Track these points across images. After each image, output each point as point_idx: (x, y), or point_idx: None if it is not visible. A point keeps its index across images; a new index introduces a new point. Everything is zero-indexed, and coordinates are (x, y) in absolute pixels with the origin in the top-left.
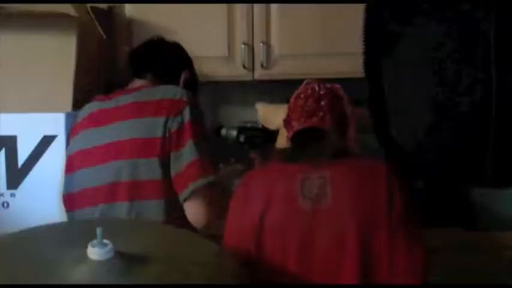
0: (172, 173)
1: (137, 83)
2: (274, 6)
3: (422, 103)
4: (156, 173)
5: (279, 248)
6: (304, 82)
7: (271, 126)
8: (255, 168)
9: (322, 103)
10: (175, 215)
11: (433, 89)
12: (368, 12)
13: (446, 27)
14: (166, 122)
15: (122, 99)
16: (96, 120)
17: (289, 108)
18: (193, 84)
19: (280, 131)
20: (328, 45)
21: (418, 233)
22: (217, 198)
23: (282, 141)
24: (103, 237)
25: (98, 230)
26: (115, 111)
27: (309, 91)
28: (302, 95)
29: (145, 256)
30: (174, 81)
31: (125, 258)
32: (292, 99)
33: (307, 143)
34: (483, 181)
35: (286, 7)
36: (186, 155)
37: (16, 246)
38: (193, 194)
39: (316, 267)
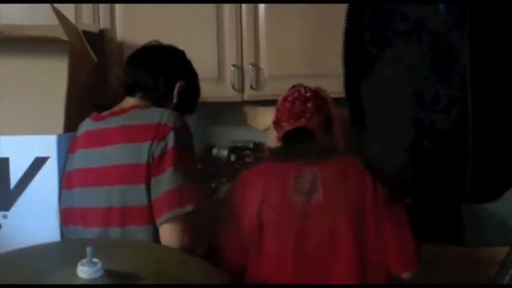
0: (152, 198)
1: (127, 101)
2: (262, 28)
3: (403, 123)
4: (143, 199)
5: (277, 240)
6: (291, 86)
7: (260, 126)
8: (248, 168)
9: (309, 105)
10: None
11: (412, 109)
12: (347, 35)
13: (423, 49)
14: (150, 146)
15: (113, 121)
16: (91, 141)
17: (277, 110)
18: (192, 94)
19: (269, 131)
20: (316, 66)
21: (404, 215)
22: (194, 225)
23: (272, 141)
24: (93, 256)
25: (88, 249)
26: (106, 133)
27: (296, 94)
28: (289, 98)
29: (135, 274)
30: (167, 94)
31: (114, 277)
32: (279, 102)
33: (297, 142)
34: (462, 197)
35: (274, 29)
36: (165, 182)
37: (6, 265)
38: (168, 221)
39: (312, 258)
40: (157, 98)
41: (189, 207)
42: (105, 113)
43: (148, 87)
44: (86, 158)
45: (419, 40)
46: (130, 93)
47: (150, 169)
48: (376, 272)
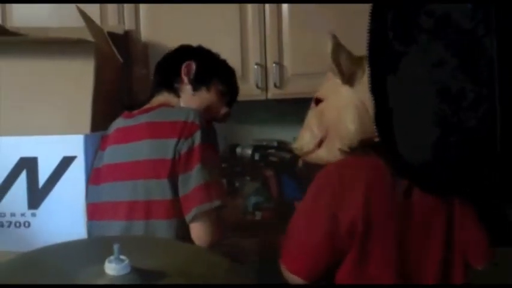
0: (180, 195)
1: (156, 99)
2: (286, 27)
3: (428, 120)
4: (167, 194)
5: (384, 241)
6: None
7: None
8: (330, 165)
9: None
10: (186, 234)
11: (437, 106)
12: (372, 32)
13: (449, 45)
14: (177, 143)
15: (140, 118)
16: (120, 137)
17: None
18: (230, 98)
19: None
20: None
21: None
22: (221, 221)
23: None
24: (120, 253)
25: (115, 246)
26: (133, 129)
27: None
28: None
29: (161, 272)
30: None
31: (141, 274)
32: None
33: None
34: (490, 196)
35: (298, 28)
36: (193, 178)
37: (34, 263)
38: (197, 217)
39: (412, 257)
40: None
41: (217, 203)
42: (135, 111)
43: (174, 82)
44: (115, 154)
45: (445, 36)
46: (158, 91)
47: (176, 165)
48: (458, 268)
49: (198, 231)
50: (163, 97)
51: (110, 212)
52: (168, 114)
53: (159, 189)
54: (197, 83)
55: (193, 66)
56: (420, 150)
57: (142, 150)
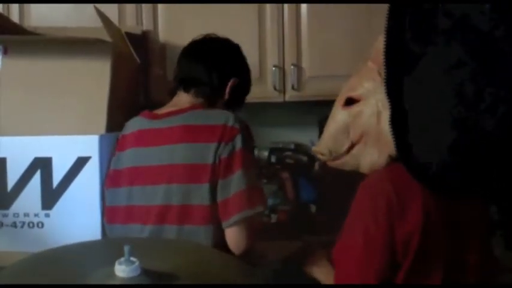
0: (219, 200)
1: (182, 98)
2: (304, 29)
3: (445, 122)
4: (206, 199)
5: (437, 248)
6: None
7: None
8: (378, 174)
9: None
10: (222, 241)
11: (455, 108)
12: (389, 33)
13: (467, 47)
14: (217, 148)
15: (173, 121)
16: (147, 140)
17: None
18: (242, 92)
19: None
20: (357, 66)
21: None
22: (259, 226)
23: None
24: (131, 255)
25: (126, 248)
26: (166, 132)
27: None
28: None
29: (172, 274)
30: (219, 90)
31: (151, 276)
32: None
33: None
34: (506, 198)
35: (316, 30)
36: (234, 184)
37: (46, 263)
38: (237, 223)
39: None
40: (211, 94)
41: (260, 208)
42: (161, 111)
43: (203, 82)
44: (141, 156)
45: (463, 38)
46: (184, 88)
47: (216, 170)
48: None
49: (237, 237)
50: (189, 98)
51: (139, 215)
52: (205, 117)
53: (197, 194)
54: (233, 103)
55: (236, 83)
56: (436, 152)
57: (178, 153)
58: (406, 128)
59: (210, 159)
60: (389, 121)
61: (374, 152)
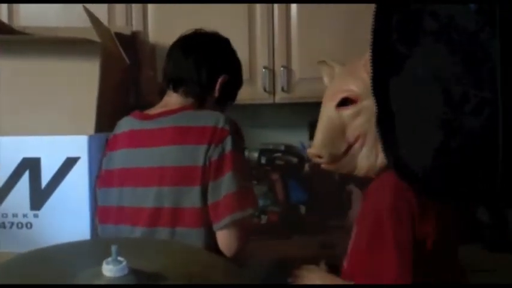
0: (209, 202)
1: (172, 98)
2: (294, 30)
3: (431, 123)
4: (197, 202)
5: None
6: None
7: None
8: (392, 177)
9: None
10: (214, 243)
11: (441, 109)
12: (375, 33)
13: (453, 48)
14: (207, 150)
15: (164, 121)
16: (138, 141)
17: None
18: (233, 88)
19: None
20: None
21: None
22: (250, 228)
23: None
24: (119, 255)
25: (113, 248)
26: (157, 133)
27: None
28: None
29: (160, 274)
30: (209, 88)
31: (138, 276)
32: None
33: None
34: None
35: (306, 31)
36: (225, 186)
37: (32, 264)
38: (228, 225)
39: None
40: (200, 93)
41: (250, 211)
42: (152, 112)
43: (192, 80)
44: (133, 157)
45: (449, 39)
46: (173, 88)
47: (206, 172)
48: None
49: (228, 239)
50: (179, 98)
51: (130, 217)
52: (196, 118)
53: (189, 197)
54: (224, 99)
55: (226, 79)
56: (422, 154)
57: (169, 155)
58: (393, 129)
59: (200, 161)
60: (376, 122)
61: (371, 155)
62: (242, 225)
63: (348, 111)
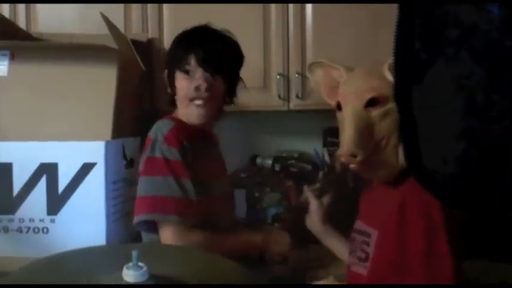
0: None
1: None
2: (309, 37)
3: (454, 132)
4: None
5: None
6: None
7: None
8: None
9: None
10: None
11: (463, 117)
12: (398, 41)
13: (476, 56)
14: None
15: None
16: None
17: None
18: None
19: None
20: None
21: None
22: (181, 237)
23: None
24: (139, 260)
25: (134, 253)
26: None
27: None
28: None
29: (180, 279)
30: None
31: (159, 281)
32: None
33: None
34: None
35: (321, 38)
36: (138, 189)
37: (51, 268)
38: (139, 224)
39: None
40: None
41: (156, 216)
42: None
43: None
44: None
45: (472, 46)
46: None
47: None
48: None
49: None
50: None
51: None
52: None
53: None
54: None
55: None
56: (445, 163)
57: None
58: (416, 137)
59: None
60: (399, 130)
61: (393, 156)
62: (163, 233)
63: (376, 112)
